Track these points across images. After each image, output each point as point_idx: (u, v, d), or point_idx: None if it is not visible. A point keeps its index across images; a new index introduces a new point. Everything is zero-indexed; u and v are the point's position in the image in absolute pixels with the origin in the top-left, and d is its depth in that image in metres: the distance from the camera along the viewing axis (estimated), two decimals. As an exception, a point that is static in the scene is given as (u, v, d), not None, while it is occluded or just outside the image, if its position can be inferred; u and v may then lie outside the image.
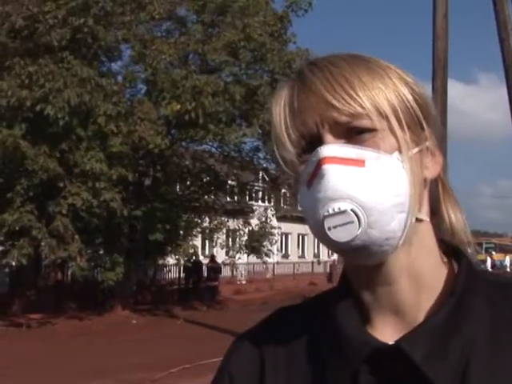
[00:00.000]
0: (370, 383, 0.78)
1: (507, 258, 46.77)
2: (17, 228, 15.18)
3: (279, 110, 0.82)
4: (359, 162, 0.75)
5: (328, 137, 0.77)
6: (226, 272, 27.47)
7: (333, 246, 0.76)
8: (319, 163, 0.76)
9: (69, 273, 21.14)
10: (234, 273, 29.96)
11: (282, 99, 0.82)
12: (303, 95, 0.79)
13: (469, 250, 0.87)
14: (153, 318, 18.75)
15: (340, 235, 0.74)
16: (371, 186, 0.75)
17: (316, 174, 0.76)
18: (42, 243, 15.27)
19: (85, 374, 9.99)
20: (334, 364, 0.81)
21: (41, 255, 17.75)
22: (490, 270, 43.73)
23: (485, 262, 47.43)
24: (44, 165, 14.64)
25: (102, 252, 17.96)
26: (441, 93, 11.78)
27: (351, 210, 0.73)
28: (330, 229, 0.74)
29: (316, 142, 0.78)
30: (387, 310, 0.82)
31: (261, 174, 23.63)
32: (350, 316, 0.82)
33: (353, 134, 0.77)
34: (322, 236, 0.76)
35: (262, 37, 17.11)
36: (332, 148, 0.76)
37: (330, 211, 0.74)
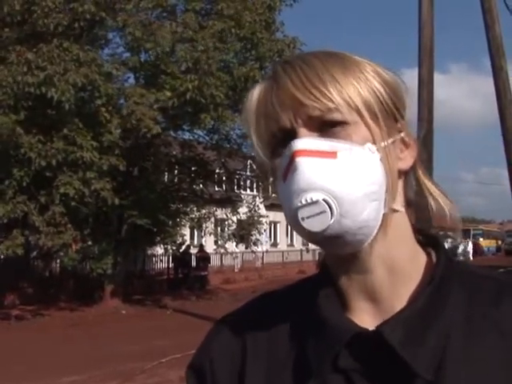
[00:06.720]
0: (349, 367, 0.80)
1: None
2: (5, 221, 15.07)
3: (251, 108, 0.85)
4: (331, 154, 0.78)
5: (302, 131, 0.79)
6: (214, 261, 27.46)
7: (307, 236, 0.78)
8: (293, 156, 0.78)
9: (57, 264, 21.06)
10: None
11: (255, 98, 0.85)
12: (276, 94, 0.81)
13: (452, 235, 0.89)
14: (142, 308, 18.74)
15: (313, 225, 0.76)
16: (343, 177, 0.77)
17: (290, 167, 0.78)
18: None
19: (75, 366, 9.98)
20: (315, 348, 0.83)
21: (29, 247, 17.63)
22: (471, 257, 43.80)
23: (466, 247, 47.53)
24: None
25: (90, 243, 17.89)
26: (427, 82, 11.69)
27: (323, 199, 0.76)
28: (303, 219, 0.76)
29: (290, 137, 0.80)
30: (365, 297, 0.84)
31: (249, 163, 23.55)
32: (331, 302, 0.84)
33: (326, 127, 0.79)
34: (296, 226, 0.78)
35: (252, 24, 17.02)
36: (304, 141, 0.78)
37: (303, 202, 0.76)
